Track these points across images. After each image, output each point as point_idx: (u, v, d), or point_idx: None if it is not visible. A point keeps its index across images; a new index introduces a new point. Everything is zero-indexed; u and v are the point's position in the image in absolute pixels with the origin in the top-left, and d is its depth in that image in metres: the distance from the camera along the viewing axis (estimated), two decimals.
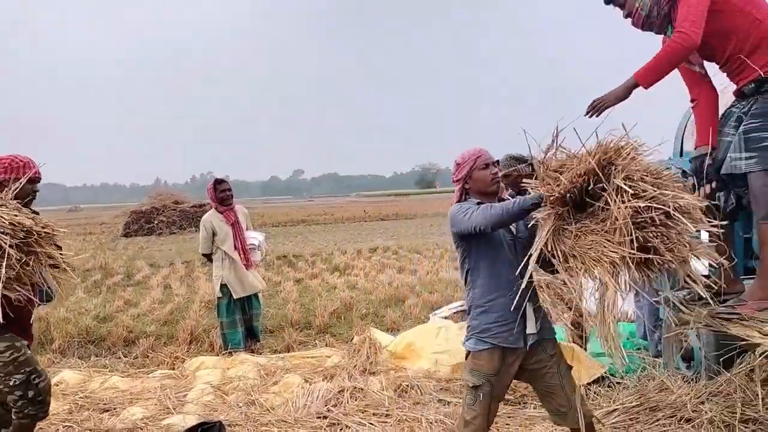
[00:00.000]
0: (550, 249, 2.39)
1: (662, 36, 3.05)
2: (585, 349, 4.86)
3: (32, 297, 2.77)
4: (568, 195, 2.32)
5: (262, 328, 6.76)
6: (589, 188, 2.32)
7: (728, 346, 3.22)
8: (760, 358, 2.43)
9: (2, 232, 2.63)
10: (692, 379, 3.74)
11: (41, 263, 2.78)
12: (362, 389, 4.38)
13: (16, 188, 2.96)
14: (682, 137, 4.68)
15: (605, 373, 4.50)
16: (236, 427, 3.88)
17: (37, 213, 3.09)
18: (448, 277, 10.06)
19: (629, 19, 3.00)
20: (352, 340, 6.00)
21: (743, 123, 2.77)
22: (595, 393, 4.14)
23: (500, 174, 4.70)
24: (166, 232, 24.97)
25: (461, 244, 2.85)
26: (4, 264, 2.59)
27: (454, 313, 7.04)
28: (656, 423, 3.39)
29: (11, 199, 2.90)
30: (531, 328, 2.72)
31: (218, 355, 5.88)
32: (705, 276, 4.63)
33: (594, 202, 2.34)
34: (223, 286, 6.02)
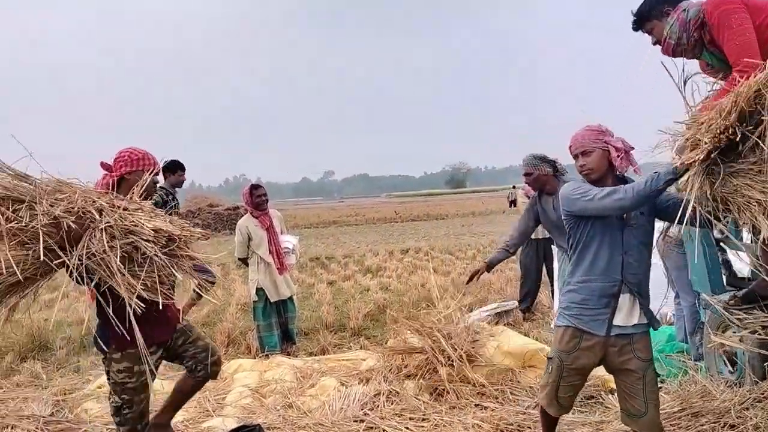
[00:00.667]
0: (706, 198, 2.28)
1: (699, 60, 2.98)
2: None
3: (172, 297, 2.75)
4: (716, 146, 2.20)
5: (297, 331, 6.81)
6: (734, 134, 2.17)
7: None
8: None
9: (146, 240, 2.53)
10: (736, 384, 3.66)
11: (184, 267, 2.69)
12: (398, 392, 4.39)
13: (143, 186, 2.89)
14: None
15: None
16: (275, 430, 3.92)
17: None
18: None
19: (659, 47, 2.94)
20: (386, 342, 6.01)
21: None
22: None
23: (524, 173, 4.75)
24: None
25: (572, 222, 2.84)
26: (143, 272, 2.51)
27: (488, 315, 7.00)
28: (700, 429, 3.32)
29: (140, 198, 2.83)
30: (620, 320, 2.72)
31: (255, 358, 5.94)
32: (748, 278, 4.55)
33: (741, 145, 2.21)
34: (259, 290, 6.10)
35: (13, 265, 2.36)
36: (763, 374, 3.50)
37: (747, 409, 3.35)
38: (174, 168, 6.28)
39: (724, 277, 4.62)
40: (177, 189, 6.42)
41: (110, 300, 2.54)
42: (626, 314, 2.71)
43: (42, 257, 2.39)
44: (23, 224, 2.42)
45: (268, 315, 6.16)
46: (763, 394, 3.39)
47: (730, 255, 4.81)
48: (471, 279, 4.82)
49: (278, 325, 6.22)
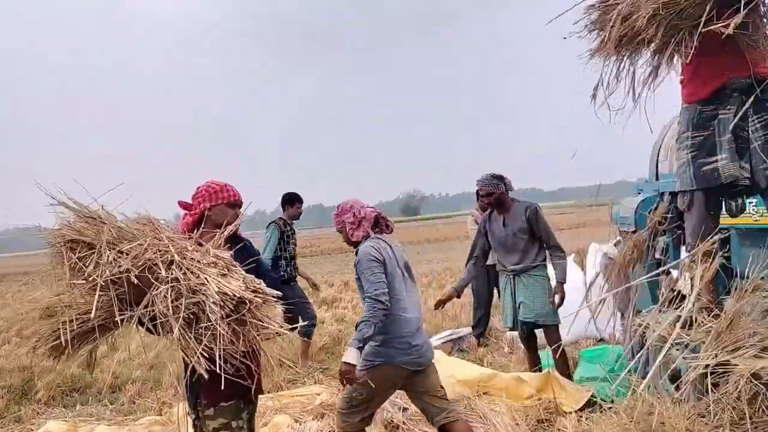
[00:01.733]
0: None
1: None
2: (570, 376, 4.85)
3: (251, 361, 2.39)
4: None
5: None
6: None
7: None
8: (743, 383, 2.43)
9: (212, 302, 2.25)
10: (681, 401, 3.75)
11: (249, 336, 2.34)
12: None
13: (227, 232, 2.66)
14: (657, 160, 4.77)
15: (596, 398, 4.50)
16: None
17: (249, 242, 2.93)
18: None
19: None
20: None
21: (754, 133, 2.69)
22: (586, 419, 4.12)
23: (484, 193, 4.83)
24: None
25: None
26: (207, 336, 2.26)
27: (442, 342, 7.02)
28: None
29: (222, 245, 2.60)
30: None
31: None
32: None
33: None
34: None
35: (94, 311, 2.26)
36: (705, 390, 3.59)
37: (692, 424, 3.42)
38: (292, 200, 6.49)
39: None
40: (294, 221, 6.68)
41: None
42: None
43: (93, 315, 2.26)
44: (86, 275, 2.27)
45: None
46: (706, 409, 3.46)
47: (674, 273, 4.97)
48: (439, 305, 4.87)
49: None
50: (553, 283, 4.82)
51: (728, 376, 3.39)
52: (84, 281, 2.28)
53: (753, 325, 2.69)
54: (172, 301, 2.26)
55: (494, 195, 4.79)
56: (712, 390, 3.53)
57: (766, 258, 3.49)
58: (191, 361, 2.25)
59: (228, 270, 2.41)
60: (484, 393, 4.74)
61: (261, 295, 2.38)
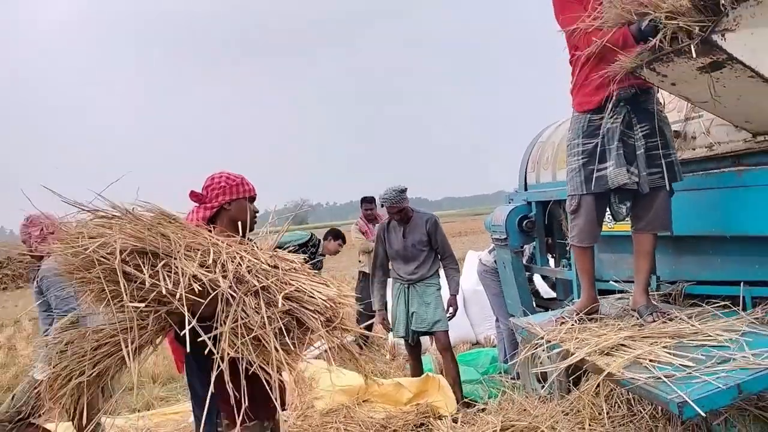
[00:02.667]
0: None
1: None
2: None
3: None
4: None
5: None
6: None
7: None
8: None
9: (312, 310, 2.04)
10: (547, 399, 3.94)
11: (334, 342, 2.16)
12: None
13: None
14: (525, 172, 5.02)
15: (470, 399, 4.64)
16: None
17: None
18: None
19: None
20: None
21: (639, 141, 2.84)
22: (461, 422, 4.23)
23: (397, 209, 4.74)
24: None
25: None
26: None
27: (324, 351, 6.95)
28: None
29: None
30: None
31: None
32: (552, 299, 4.96)
33: None
34: None
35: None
36: (568, 389, 3.80)
37: (557, 422, 3.60)
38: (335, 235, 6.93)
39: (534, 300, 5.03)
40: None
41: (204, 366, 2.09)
42: None
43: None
44: (161, 289, 1.95)
45: None
46: (569, 406, 3.66)
47: (536, 278, 5.25)
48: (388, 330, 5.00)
49: None
50: (444, 292, 4.89)
51: (588, 374, 3.62)
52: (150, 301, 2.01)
53: (597, 328, 2.87)
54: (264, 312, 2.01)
55: (404, 210, 4.74)
56: (574, 388, 3.75)
57: (622, 263, 3.77)
58: (265, 373, 2.00)
59: (307, 273, 2.24)
60: (364, 401, 4.73)
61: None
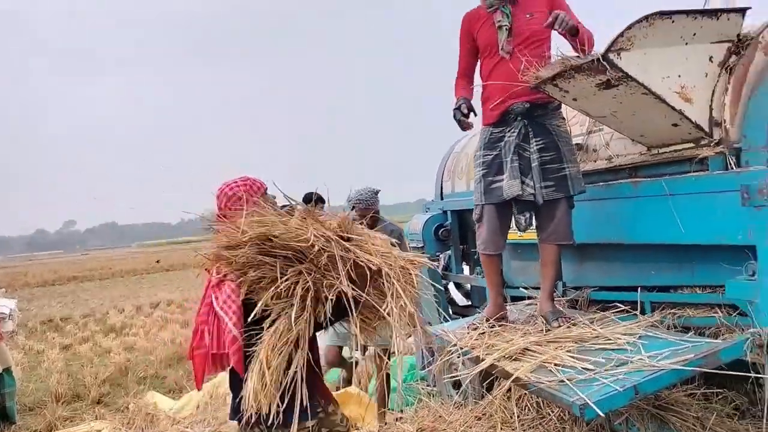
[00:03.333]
0: None
1: (473, 11, 3.13)
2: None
3: None
4: None
5: (19, 407, 5.90)
6: None
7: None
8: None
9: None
10: (462, 405, 4.01)
11: None
12: None
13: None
14: (442, 181, 5.11)
15: (388, 409, 4.66)
16: None
17: None
18: None
19: None
20: (127, 408, 5.48)
21: (534, 154, 2.92)
22: None
23: (371, 211, 4.49)
24: None
25: None
26: None
27: None
28: None
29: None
30: None
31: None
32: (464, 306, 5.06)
33: None
34: None
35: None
36: (482, 394, 3.88)
37: (471, 427, 3.67)
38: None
39: (450, 307, 5.12)
40: None
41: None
42: None
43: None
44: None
45: None
46: (482, 411, 3.74)
47: (450, 287, 5.35)
48: None
49: None
50: None
51: (500, 380, 3.71)
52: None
53: (506, 333, 2.96)
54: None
55: (373, 210, 4.49)
56: (487, 393, 3.84)
57: (531, 270, 3.90)
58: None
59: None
60: None
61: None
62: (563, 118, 3.06)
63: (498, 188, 2.99)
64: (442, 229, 4.82)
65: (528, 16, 2.95)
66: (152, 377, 7.25)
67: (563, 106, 3.00)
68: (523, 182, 2.92)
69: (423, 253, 4.90)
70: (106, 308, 14.85)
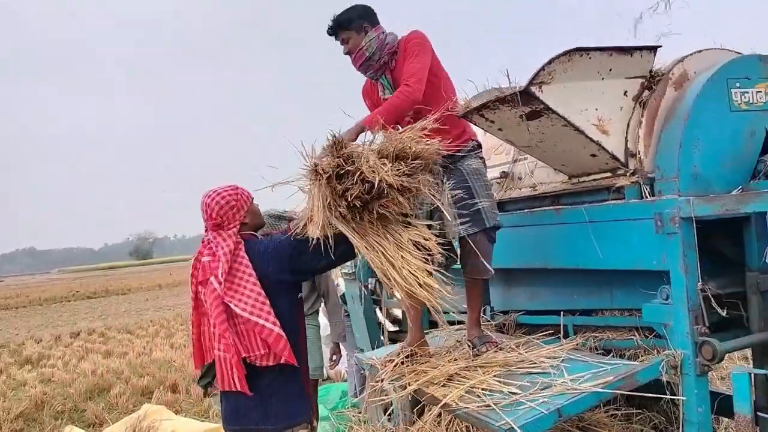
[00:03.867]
0: None
1: (368, 80, 3.23)
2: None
3: None
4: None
5: None
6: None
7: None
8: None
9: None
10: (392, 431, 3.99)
11: None
12: None
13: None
14: None
15: None
16: None
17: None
18: (160, 357, 9.39)
19: (349, 56, 3.10)
20: None
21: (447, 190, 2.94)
22: None
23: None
24: None
25: None
26: None
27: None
28: None
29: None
30: None
31: None
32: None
33: None
34: None
35: None
36: (413, 420, 3.87)
37: None
38: None
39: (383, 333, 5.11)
40: None
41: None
42: None
43: None
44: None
45: None
46: None
47: (377, 311, 5.35)
48: None
49: None
50: (324, 333, 4.70)
51: (430, 405, 3.72)
52: None
53: (435, 360, 2.98)
54: None
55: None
56: (418, 419, 3.83)
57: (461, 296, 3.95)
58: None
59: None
60: None
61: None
62: (477, 158, 3.08)
63: None
64: None
65: None
66: (71, 411, 6.87)
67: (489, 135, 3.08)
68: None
69: (354, 279, 4.90)
70: (22, 338, 14.06)
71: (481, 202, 2.93)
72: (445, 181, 2.98)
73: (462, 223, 2.91)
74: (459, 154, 2.99)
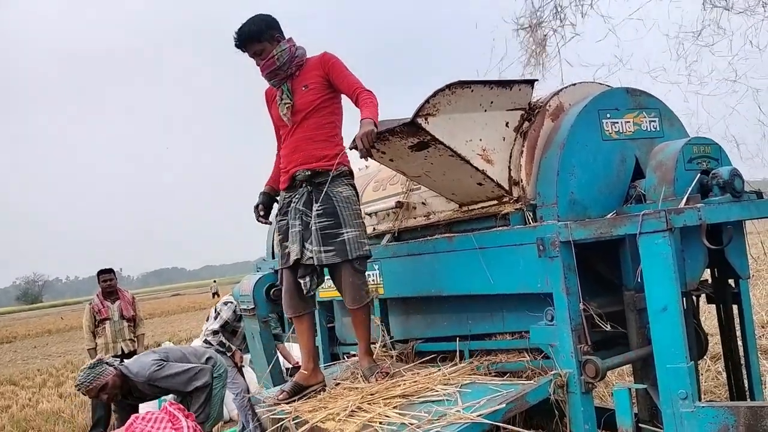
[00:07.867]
0: None
1: (269, 88, 3.23)
2: None
3: None
4: None
5: None
6: None
7: None
8: None
9: None
10: None
11: None
12: None
13: None
14: (273, 239, 5.05)
15: None
16: None
17: None
18: (48, 408, 8.71)
19: (260, 63, 3.09)
20: None
21: (314, 219, 2.97)
22: None
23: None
24: None
25: None
26: None
27: None
28: None
29: None
30: None
31: None
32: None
33: None
34: None
35: None
36: None
37: None
38: None
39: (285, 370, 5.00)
40: None
41: None
42: None
43: None
44: None
45: None
46: None
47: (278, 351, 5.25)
48: None
49: None
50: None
51: None
52: None
53: (333, 393, 2.94)
54: None
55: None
56: None
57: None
58: None
59: None
60: None
61: None
62: (349, 185, 3.11)
63: (287, 254, 3.05)
64: (274, 289, 4.72)
65: (304, 88, 3.06)
66: None
67: (380, 166, 3.13)
68: (303, 246, 2.98)
69: (254, 315, 4.77)
70: None
71: (347, 232, 2.95)
72: (314, 202, 3.00)
73: (326, 251, 2.93)
74: (333, 173, 3.01)
